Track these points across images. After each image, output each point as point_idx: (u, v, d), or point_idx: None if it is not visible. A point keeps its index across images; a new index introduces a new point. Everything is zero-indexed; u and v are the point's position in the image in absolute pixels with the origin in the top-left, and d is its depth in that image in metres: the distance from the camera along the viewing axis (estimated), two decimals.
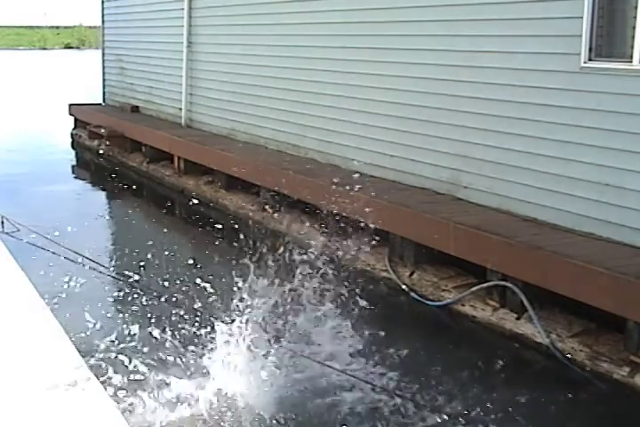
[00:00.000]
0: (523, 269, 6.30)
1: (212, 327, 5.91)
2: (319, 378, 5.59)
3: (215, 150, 11.01)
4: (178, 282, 7.64)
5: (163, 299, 7.09)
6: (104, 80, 17.57)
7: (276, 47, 10.83)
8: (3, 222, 9.18)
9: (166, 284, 7.41)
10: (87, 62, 32.77)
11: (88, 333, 5.75)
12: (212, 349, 5.73)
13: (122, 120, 14.46)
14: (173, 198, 11.92)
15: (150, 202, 12.50)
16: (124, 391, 5.01)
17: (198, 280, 7.69)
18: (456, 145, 7.91)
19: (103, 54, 17.58)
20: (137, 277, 7.52)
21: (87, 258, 8.06)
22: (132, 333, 5.89)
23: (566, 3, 6.78)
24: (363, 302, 6.98)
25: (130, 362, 5.34)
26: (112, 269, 8.00)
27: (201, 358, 5.60)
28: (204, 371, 5.46)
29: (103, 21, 17.57)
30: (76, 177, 14.47)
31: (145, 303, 7.04)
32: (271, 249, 8.98)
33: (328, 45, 9.73)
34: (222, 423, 5.04)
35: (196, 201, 8.80)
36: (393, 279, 7.46)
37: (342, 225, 8.43)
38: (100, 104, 17.51)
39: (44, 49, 66.75)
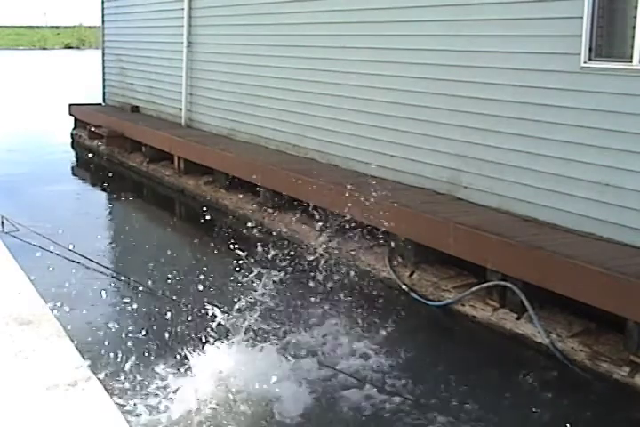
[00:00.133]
0: (523, 269, 6.29)
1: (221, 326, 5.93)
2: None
3: (215, 150, 11.01)
4: (179, 282, 7.64)
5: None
6: (104, 80, 17.57)
7: (276, 47, 10.83)
8: (3, 222, 9.18)
9: (167, 283, 7.41)
10: (87, 62, 32.77)
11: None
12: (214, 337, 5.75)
13: (122, 120, 14.46)
14: (173, 198, 11.92)
15: (150, 202, 12.49)
16: None
17: (198, 280, 7.68)
18: (456, 145, 7.91)
19: (103, 54, 17.58)
20: (136, 277, 7.54)
21: (87, 258, 8.06)
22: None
23: (566, 3, 6.78)
24: (362, 302, 6.99)
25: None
26: (112, 268, 7.98)
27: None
28: None
29: (103, 21, 17.56)
30: (75, 177, 14.47)
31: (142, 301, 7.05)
32: (271, 249, 8.98)
33: (328, 45, 9.73)
34: None
35: (208, 216, 8.72)
36: (393, 279, 7.46)
37: (342, 225, 8.44)
38: (100, 104, 17.51)
39: (44, 49, 66.75)
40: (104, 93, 17.57)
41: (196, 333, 5.89)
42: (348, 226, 8.39)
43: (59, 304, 5.81)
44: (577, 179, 6.74)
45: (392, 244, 7.74)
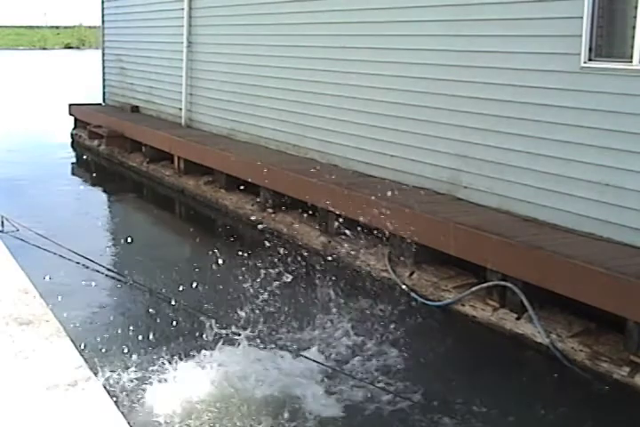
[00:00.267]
0: (523, 269, 6.29)
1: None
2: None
3: (215, 150, 11.01)
4: (179, 282, 7.65)
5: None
6: (104, 80, 17.57)
7: (276, 47, 10.83)
8: (3, 222, 9.18)
9: (167, 283, 7.41)
10: (87, 62, 32.77)
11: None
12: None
13: (122, 120, 14.45)
14: (173, 198, 11.92)
15: (150, 202, 12.49)
16: None
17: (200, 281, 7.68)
18: (456, 145, 7.91)
19: (103, 54, 17.58)
20: (135, 277, 7.54)
21: (87, 258, 8.06)
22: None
23: (566, 3, 6.78)
24: (362, 302, 6.99)
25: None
26: (111, 268, 7.98)
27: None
28: None
29: (103, 21, 17.56)
30: (75, 177, 14.46)
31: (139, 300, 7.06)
32: (271, 249, 8.97)
33: (328, 45, 9.73)
34: None
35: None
36: (393, 279, 7.46)
37: (343, 225, 8.44)
38: (100, 104, 17.51)
39: (44, 49, 66.75)
40: (104, 93, 17.57)
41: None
42: (348, 226, 8.41)
43: (58, 305, 5.82)
44: (577, 179, 6.74)
45: (392, 244, 7.74)
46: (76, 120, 17.02)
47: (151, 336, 6.09)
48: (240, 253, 9.19)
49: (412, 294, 7.19)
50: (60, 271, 7.91)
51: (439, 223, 7.11)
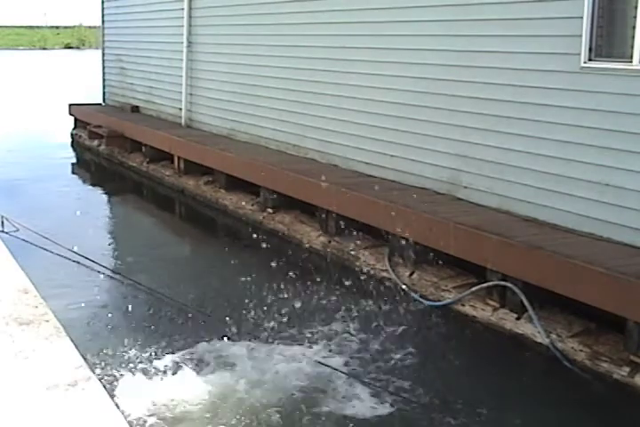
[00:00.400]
0: (523, 269, 6.29)
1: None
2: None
3: (215, 150, 11.01)
4: (177, 282, 7.65)
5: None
6: (104, 80, 17.57)
7: (276, 47, 10.83)
8: (3, 222, 9.18)
9: (167, 283, 7.42)
10: (87, 62, 32.77)
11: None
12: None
13: (122, 120, 14.45)
14: (173, 198, 11.92)
15: (150, 202, 12.50)
16: None
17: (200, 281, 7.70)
18: (456, 145, 7.91)
19: (103, 54, 17.58)
20: (135, 276, 7.54)
21: (87, 258, 8.06)
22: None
23: (566, 3, 6.78)
24: (362, 302, 6.99)
25: None
26: (112, 268, 7.98)
27: None
28: None
29: (103, 21, 17.56)
30: (75, 177, 14.47)
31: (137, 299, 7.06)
32: (270, 249, 8.98)
33: (328, 45, 9.73)
34: None
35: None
36: (393, 279, 7.46)
37: (343, 225, 8.45)
38: (100, 104, 17.50)
39: (44, 49, 66.76)
40: (104, 93, 17.57)
41: None
42: (348, 226, 8.41)
43: (59, 304, 5.82)
44: (577, 179, 6.74)
45: (392, 244, 7.75)
46: (75, 120, 17.02)
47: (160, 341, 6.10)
48: (240, 253, 9.21)
49: (412, 294, 7.18)
50: (60, 271, 7.92)
51: (439, 223, 7.11)
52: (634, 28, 6.28)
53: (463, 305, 6.82)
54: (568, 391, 5.58)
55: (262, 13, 11.10)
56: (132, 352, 5.72)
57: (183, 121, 13.58)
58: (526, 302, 6.25)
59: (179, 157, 12.07)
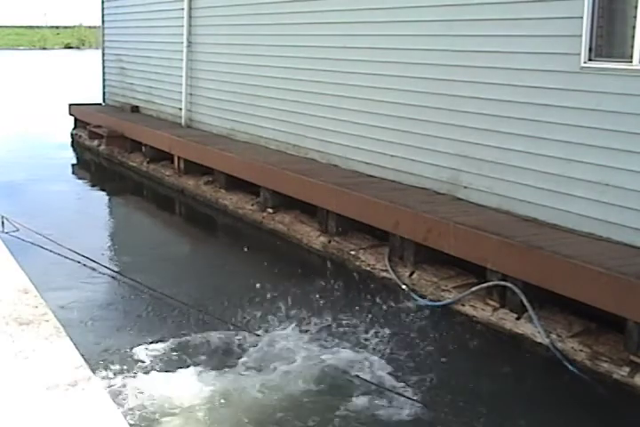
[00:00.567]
0: (523, 269, 6.29)
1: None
2: None
3: (215, 150, 11.01)
4: (177, 281, 7.65)
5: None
6: (104, 80, 17.57)
7: (276, 47, 10.83)
8: (3, 222, 9.18)
9: (166, 283, 7.42)
10: (87, 62, 32.77)
11: None
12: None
13: (122, 120, 14.45)
14: (173, 198, 11.92)
15: (150, 202, 12.50)
16: None
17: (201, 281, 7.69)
18: (456, 145, 7.91)
19: (103, 54, 17.58)
20: (134, 276, 7.54)
21: (87, 258, 8.06)
22: None
23: (566, 3, 6.78)
24: (362, 302, 6.99)
25: None
26: (112, 268, 7.99)
27: None
28: None
29: (103, 21, 17.56)
30: (75, 177, 14.47)
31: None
32: (270, 249, 8.99)
33: (328, 45, 9.72)
34: None
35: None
36: (393, 279, 7.46)
37: (343, 225, 8.45)
38: (100, 104, 17.50)
39: (44, 49, 66.78)
40: (104, 93, 17.56)
41: None
42: (348, 226, 8.41)
43: (59, 304, 5.83)
44: (577, 179, 6.74)
45: (392, 244, 7.75)
46: (75, 120, 17.01)
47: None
48: (240, 253, 9.22)
49: (412, 294, 7.18)
50: (60, 271, 7.92)
51: (439, 223, 7.10)
52: (634, 27, 6.28)
53: (463, 305, 6.82)
54: (568, 391, 5.58)
55: (262, 13, 11.10)
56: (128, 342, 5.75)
57: (183, 121, 13.58)
58: (526, 302, 6.25)
59: (179, 157, 12.07)
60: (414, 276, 7.39)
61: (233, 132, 12.08)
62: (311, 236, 8.81)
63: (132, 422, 4.78)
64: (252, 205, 10.02)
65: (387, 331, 6.37)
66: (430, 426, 5.07)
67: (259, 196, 9.92)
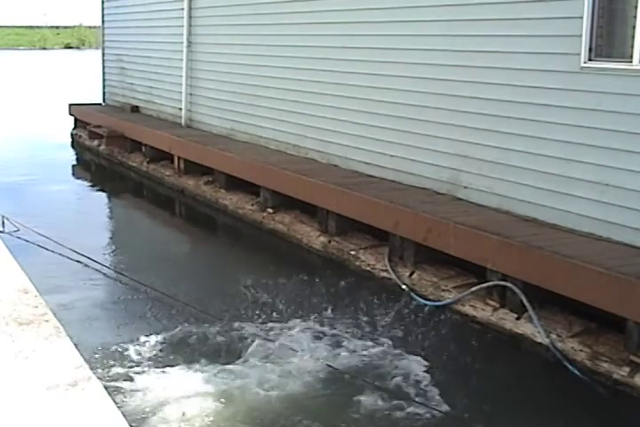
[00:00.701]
0: (523, 269, 6.29)
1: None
2: None
3: (215, 150, 11.01)
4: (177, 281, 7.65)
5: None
6: (104, 80, 17.57)
7: (276, 47, 10.83)
8: (3, 222, 9.18)
9: (167, 283, 7.42)
10: (87, 62, 32.77)
11: None
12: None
13: (122, 120, 14.45)
14: (173, 198, 11.92)
15: (150, 202, 12.50)
16: None
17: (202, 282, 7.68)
18: (456, 145, 7.90)
19: (103, 54, 17.58)
20: (135, 276, 7.54)
21: (88, 257, 8.06)
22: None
23: (566, 3, 6.77)
24: (362, 302, 7.00)
25: None
26: (111, 267, 7.98)
27: None
28: None
29: (103, 21, 17.56)
30: (75, 177, 14.47)
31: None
32: (270, 248, 8.99)
33: (328, 45, 9.72)
34: None
35: None
36: (393, 279, 7.45)
37: (343, 225, 8.45)
38: (100, 104, 17.50)
39: (44, 49, 66.79)
40: (104, 93, 17.56)
41: None
42: (348, 226, 8.41)
43: (58, 304, 5.82)
44: (577, 179, 6.73)
45: (392, 244, 7.75)
46: (75, 120, 17.02)
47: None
48: (240, 253, 9.22)
49: (412, 294, 7.18)
50: (59, 271, 7.92)
51: (439, 223, 7.10)
52: (634, 27, 6.28)
53: (463, 305, 6.82)
54: (568, 391, 5.58)
55: (262, 13, 11.10)
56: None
57: (183, 121, 13.58)
58: (526, 302, 6.24)
59: (179, 157, 12.07)
60: (414, 276, 7.39)
61: (233, 132, 12.08)
62: (311, 236, 8.81)
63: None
64: (252, 205, 10.02)
65: (386, 331, 6.37)
66: (430, 426, 5.08)
67: (259, 196, 9.92)
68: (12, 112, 21.96)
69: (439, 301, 7.01)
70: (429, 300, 7.08)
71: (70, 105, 17.04)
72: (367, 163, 9.12)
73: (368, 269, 7.86)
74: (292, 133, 10.55)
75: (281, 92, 10.73)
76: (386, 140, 8.82)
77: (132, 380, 5.40)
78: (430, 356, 6.00)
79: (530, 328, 6.21)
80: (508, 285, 6.42)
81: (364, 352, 6.00)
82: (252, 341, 6.10)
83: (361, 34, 9.16)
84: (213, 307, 6.84)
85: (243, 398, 5.23)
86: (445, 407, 5.21)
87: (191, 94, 13.43)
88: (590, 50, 6.57)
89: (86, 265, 8.00)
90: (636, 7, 6.24)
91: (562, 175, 6.86)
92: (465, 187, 7.85)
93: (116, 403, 2.86)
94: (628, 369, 5.53)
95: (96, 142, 15.14)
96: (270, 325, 6.43)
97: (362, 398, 5.30)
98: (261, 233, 9.56)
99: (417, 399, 5.29)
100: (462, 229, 6.86)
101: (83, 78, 27.87)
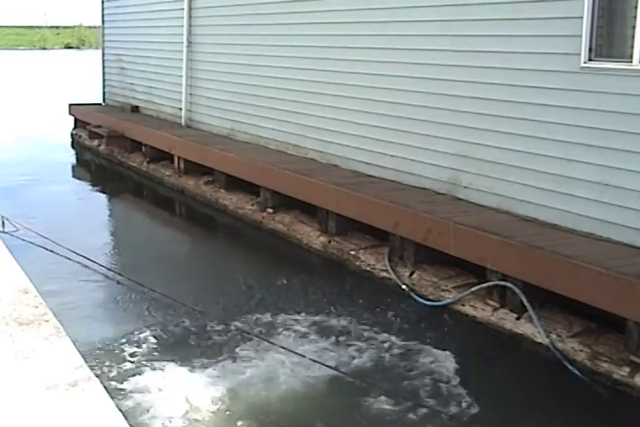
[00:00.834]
0: (523, 269, 6.29)
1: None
2: None
3: (215, 150, 11.01)
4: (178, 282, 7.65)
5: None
6: (104, 80, 17.57)
7: (276, 47, 10.83)
8: (3, 222, 9.18)
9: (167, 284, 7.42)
10: (87, 62, 32.76)
11: None
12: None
13: (122, 120, 14.45)
14: (173, 198, 11.92)
15: (150, 202, 12.50)
16: None
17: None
18: (456, 145, 7.91)
19: (103, 54, 17.58)
20: (134, 276, 7.54)
21: (87, 258, 8.05)
22: None
23: (566, 3, 6.78)
24: (361, 302, 7.00)
25: None
26: (112, 268, 7.98)
27: None
28: None
29: (103, 21, 17.56)
30: (75, 177, 14.47)
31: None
32: (270, 248, 8.98)
33: (328, 45, 9.72)
34: None
35: None
36: (393, 279, 7.45)
37: (343, 225, 8.45)
38: (100, 104, 17.51)
39: (44, 49, 66.78)
40: (104, 93, 17.56)
41: None
42: (348, 226, 8.41)
43: (58, 304, 5.81)
44: (577, 179, 6.74)
45: (392, 244, 7.75)
46: (75, 120, 17.02)
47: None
48: (240, 253, 9.22)
49: (412, 294, 7.18)
50: (59, 271, 7.92)
51: (439, 223, 7.10)
52: (634, 28, 6.28)
53: (463, 305, 6.82)
54: (568, 391, 5.58)
55: (262, 13, 11.10)
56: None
57: (183, 121, 13.58)
58: (526, 302, 6.25)
59: (179, 157, 12.07)
60: (414, 276, 7.39)
61: (233, 133, 12.08)
62: (311, 236, 8.81)
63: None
64: (252, 205, 10.02)
65: (386, 330, 6.37)
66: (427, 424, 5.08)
67: (259, 196, 9.92)
68: (11, 112, 21.96)
69: (439, 301, 7.01)
70: (429, 300, 7.08)
71: (70, 105, 17.04)
72: (367, 163, 9.12)
73: (368, 269, 7.86)
74: (292, 133, 10.55)
75: (281, 92, 10.73)
76: (386, 140, 8.82)
77: (131, 377, 5.40)
78: (428, 356, 5.99)
79: (530, 328, 6.21)
80: (508, 285, 6.42)
81: (364, 352, 6.00)
82: (251, 340, 6.10)
83: (361, 34, 9.16)
84: (213, 306, 6.85)
85: (243, 396, 5.23)
86: (443, 407, 5.22)
87: (191, 94, 13.43)
88: (590, 50, 6.57)
89: (85, 266, 7.99)
90: (635, 7, 6.24)
91: (562, 175, 6.86)
92: (465, 187, 7.85)
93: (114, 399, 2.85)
94: (628, 369, 5.53)
95: (96, 142, 15.14)
96: (270, 325, 6.43)
97: (362, 398, 5.30)
98: (261, 233, 9.56)
99: (415, 399, 5.29)
100: (462, 229, 6.86)
101: (82, 78, 27.87)
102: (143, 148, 13.36)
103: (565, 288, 5.95)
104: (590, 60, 6.58)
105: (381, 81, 8.85)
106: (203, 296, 7.17)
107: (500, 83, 7.38)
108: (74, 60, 49.77)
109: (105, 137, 14.38)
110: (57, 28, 76.34)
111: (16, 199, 11.39)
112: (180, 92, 13.59)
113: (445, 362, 5.91)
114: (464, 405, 5.26)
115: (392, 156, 8.75)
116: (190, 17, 13.23)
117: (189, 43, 13.29)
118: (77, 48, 67.58)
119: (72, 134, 17.09)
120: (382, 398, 5.29)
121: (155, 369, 5.57)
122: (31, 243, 8.62)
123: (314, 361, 5.73)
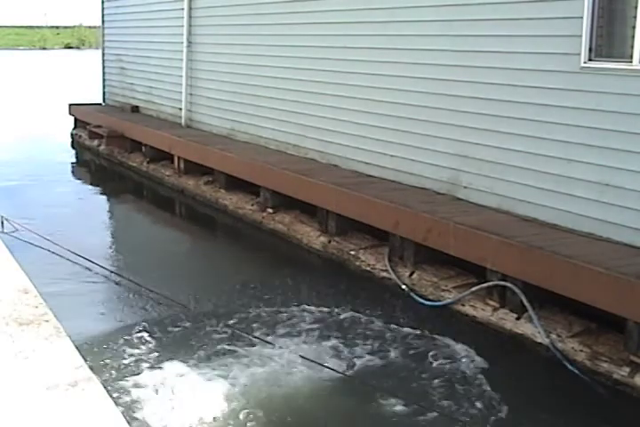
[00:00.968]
0: (522, 269, 6.29)
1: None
2: None
3: (215, 150, 11.01)
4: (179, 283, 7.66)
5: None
6: (104, 80, 17.57)
7: (276, 47, 10.83)
8: (3, 223, 9.18)
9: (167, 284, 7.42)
10: (87, 62, 32.76)
11: None
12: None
13: (122, 120, 14.45)
14: (173, 198, 11.92)
15: (150, 202, 12.50)
16: None
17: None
18: (456, 145, 7.91)
19: (103, 54, 17.58)
20: (133, 277, 7.54)
21: (87, 259, 8.05)
22: None
23: (566, 3, 6.78)
24: (360, 302, 7.00)
25: None
26: (112, 269, 7.98)
27: None
28: None
29: (103, 21, 17.56)
30: (75, 177, 14.47)
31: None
32: (270, 248, 8.97)
33: (328, 45, 9.72)
34: None
35: None
36: (393, 279, 7.45)
37: (343, 225, 8.45)
38: (100, 104, 17.51)
39: (44, 49, 66.77)
40: (104, 93, 17.56)
41: None
42: (348, 226, 8.41)
43: (58, 304, 5.79)
44: (577, 179, 6.74)
45: (392, 244, 7.75)
46: (75, 120, 17.02)
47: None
48: (240, 253, 9.22)
49: (412, 294, 7.18)
50: (59, 271, 7.91)
51: (439, 223, 7.10)
52: (634, 28, 6.28)
53: (463, 305, 6.82)
54: (568, 391, 5.58)
55: (262, 13, 11.10)
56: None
57: (183, 121, 13.58)
58: (526, 302, 6.25)
59: (179, 157, 12.07)
60: (414, 276, 7.39)
61: (233, 133, 12.08)
62: (311, 236, 8.81)
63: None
64: (252, 205, 10.02)
65: (386, 330, 6.37)
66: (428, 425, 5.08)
67: (259, 196, 9.92)
68: (11, 112, 21.95)
69: (439, 301, 7.01)
70: (429, 300, 7.08)
71: (70, 105, 17.04)
72: (367, 163, 9.12)
73: (368, 269, 7.86)
74: (292, 133, 10.55)
75: (281, 92, 10.73)
76: (386, 140, 8.82)
77: (130, 376, 5.40)
78: (428, 356, 5.99)
79: (530, 328, 6.21)
80: (508, 285, 6.42)
81: (365, 352, 6.00)
82: (250, 340, 6.10)
83: (361, 34, 9.16)
84: (213, 306, 6.85)
85: (244, 393, 5.24)
86: (442, 407, 5.22)
87: (191, 94, 13.43)
88: (590, 50, 6.57)
89: (85, 266, 7.99)
90: (635, 7, 6.24)
91: (562, 175, 6.86)
92: (465, 187, 7.85)
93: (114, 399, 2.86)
94: (628, 369, 5.53)
95: (96, 142, 15.14)
96: (269, 324, 6.43)
97: (361, 397, 5.30)
98: (261, 233, 9.56)
99: (415, 399, 5.29)
100: (462, 229, 6.86)
101: (82, 78, 27.87)
102: (143, 148, 13.36)
103: (565, 288, 5.95)
104: (590, 60, 6.58)
105: (381, 81, 8.85)
106: (202, 296, 7.17)
107: (500, 83, 7.39)
108: (74, 60, 49.77)
109: (105, 137, 14.38)
110: (57, 28, 76.35)
111: (16, 199, 11.39)
112: (180, 92, 13.59)
113: (444, 362, 5.91)
114: (464, 404, 5.26)
115: (392, 156, 8.75)
116: (190, 17, 13.23)
117: (189, 43, 13.29)
118: (77, 48, 67.58)
119: (72, 134, 17.09)
120: (386, 398, 5.29)
121: (153, 368, 5.58)
122: (31, 243, 8.62)
123: (312, 361, 5.73)
